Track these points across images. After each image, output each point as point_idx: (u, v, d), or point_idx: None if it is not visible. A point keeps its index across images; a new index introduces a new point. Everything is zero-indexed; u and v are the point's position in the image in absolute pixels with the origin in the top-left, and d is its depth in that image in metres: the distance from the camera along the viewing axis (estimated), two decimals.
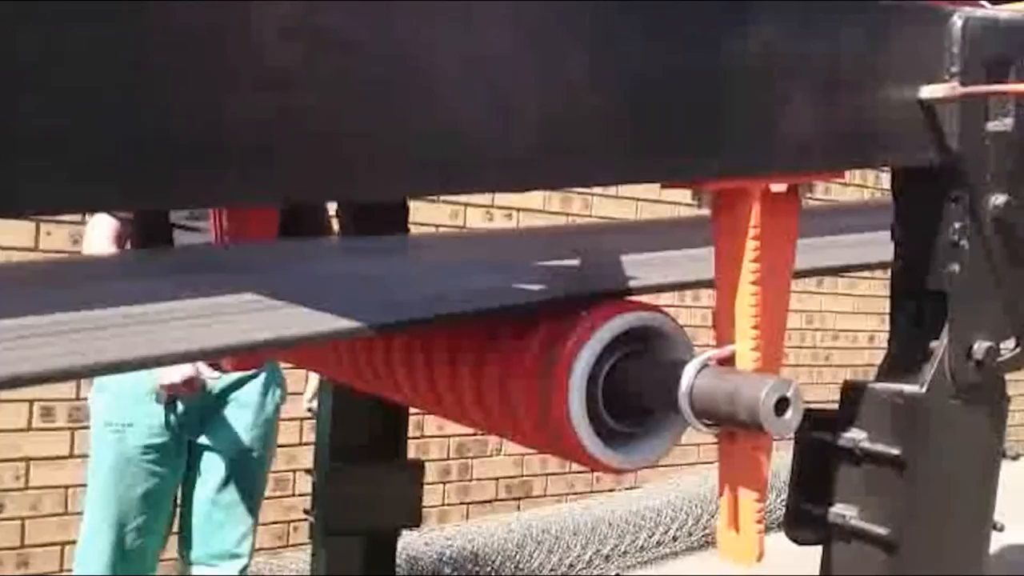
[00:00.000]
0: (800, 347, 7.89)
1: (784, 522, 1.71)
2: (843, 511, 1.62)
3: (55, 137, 1.02)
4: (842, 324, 8.29)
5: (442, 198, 5.83)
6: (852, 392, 1.65)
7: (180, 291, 1.78)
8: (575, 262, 1.91)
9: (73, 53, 1.01)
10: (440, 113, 1.25)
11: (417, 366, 1.83)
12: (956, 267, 1.61)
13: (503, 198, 6.21)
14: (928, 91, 1.58)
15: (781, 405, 1.35)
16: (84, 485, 4.88)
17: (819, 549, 1.66)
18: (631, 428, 1.58)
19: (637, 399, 1.55)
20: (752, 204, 1.46)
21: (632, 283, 1.70)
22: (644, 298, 1.67)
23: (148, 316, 1.62)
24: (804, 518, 1.68)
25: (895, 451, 1.57)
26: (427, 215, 5.58)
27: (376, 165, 1.22)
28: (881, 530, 1.57)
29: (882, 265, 1.74)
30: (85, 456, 4.88)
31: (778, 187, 1.52)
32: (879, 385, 1.63)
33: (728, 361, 1.48)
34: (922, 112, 1.59)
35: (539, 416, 1.56)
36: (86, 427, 4.86)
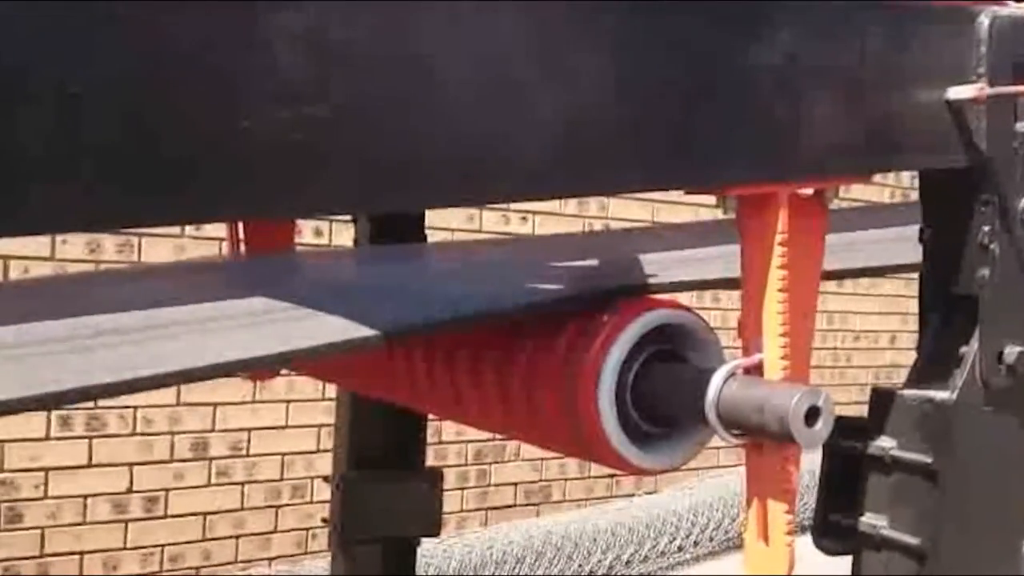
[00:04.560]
0: (821, 348, 7.84)
1: (813, 531, 1.68)
2: (873, 520, 1.60)
3: (66, 154, 1.00)
4: (863, 325, 8.24)
5: None
6: (881, 399, 1.63)
7: (194, 299, 1.77)
8: (594, 263, 1.89)
9: (87, 69, 1.00)
10: (459, 124, 1.24)
11: (439, 372, 1.81)
12: (986, 271, 1.59)
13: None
14: (955, 92, 1.56)
15: (812, 415, 1.33)
16: (103, 494, 4.95)
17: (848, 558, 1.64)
18: (660, 429, 1.55)
19: (663, 406, 1.53)
20: (779, 209, 1.44)
21: (653, 280, 1.67)
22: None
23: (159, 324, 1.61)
24: (833, 527, 1.66)
25: (926, 459, 1.55)
26: (442, 218, 5.53)
27: (394, 177, 1.20)
28: (912, 539, 1.55)
29: (912, 268, 1.72)
30: (104, 465, 4.95)
31: (805, 191, 1.50)
32: (909, 392, 1.61)
33: (756, 370, 1.46)
34: (949, 113, 1.57)
35: (566, 417, 1.54)
36: (105, 436, 4.96)
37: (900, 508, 1.58)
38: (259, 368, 1.77)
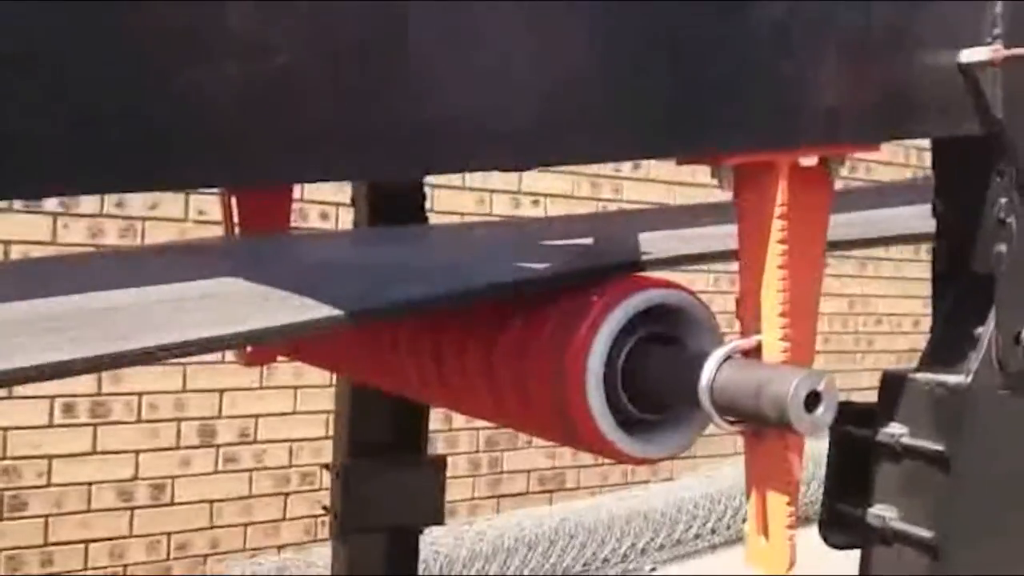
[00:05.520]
0: (842, 332, 7.78)
1: (819, 524, 1.61)
2: (882, 512, 1.52)
3: (26, 122, 0.95)
4: (885, 308, 8.17)
5: (467, 184, 5.77)
6: (891, 383, 1.55)
7: (182, 278, 1.70)
8: (587, 240, 1.81)
9: (27, 27, 0.94)
10: (433, 85, 1.15)
11: (425, 359, 1.74)
12: (1003, 247, 1.50)
13: (530, 184, 6.12)
14: (968, 55, 1.47)
15: (812, 400, 1.24)
16: (108, 481, 4.91)
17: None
18: (654, 416, 1.47)
19: (656, 392, 1.44)
20: (778, 180, 1.35)
21: (647, 256, 1.59)
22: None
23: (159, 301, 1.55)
24: (840, 519, 1.59)
25: (938, 446, 1.47)
26: (451, 203, 5.52)
27: (360, 144, 1.12)
28: (924, 532, 1.47)
29: (925, 238, 1.63)
30: (109, 452, 4.91)
31: (807, 161, 1.41)
32: (920, 375, 1.52)
33: (754, 352, 1.37)
34: (962, 78, 1.48)
35: (554, 403, 1.46)
36: (109, 423, 4.92)
37: (911, 499, 1.50)
38: (219, 348, 1.69)
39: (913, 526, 1.48)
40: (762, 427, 1.34)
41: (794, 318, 1.37)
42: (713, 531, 6.32)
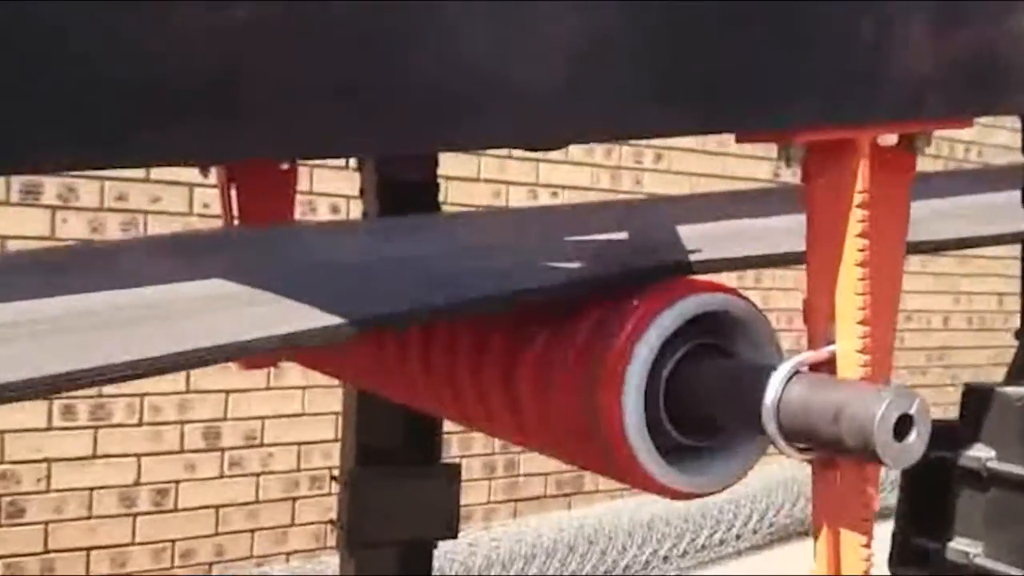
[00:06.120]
0: None
1: (889, 558, 1.46)
2: (965, 547, 1.37)
3: None
4: (914, 304, 7.99)
5: (482, 176, 5.64)
6: (975, 398, 1.39)
7: (189, 276, 1.53)
8: (623, 236, 1.62)
9: None
10: (447, 51, 1.00)
11: (438, 369, 1.55)
12: None
13: (548, 175, 5.98)
14: None
15: (902, 426, 1.05)
16: (110, 487, 4.77)
17: None
18: (701, 442, 1.29)
19: (708, 412, 1.25)
20: (859, 161, 1.16)
21: (695, 258, 1.40)
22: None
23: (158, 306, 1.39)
24: (915, 554, 1.43)
25: None
26: (465, 194, 5.38)
27: (360, 116, 0.97)
28: (1013, 571, 1.31)
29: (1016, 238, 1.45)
30: (110, 456, 4.78)
31: (888, 140, 1.21)
32: (1009, 389, 1.37)
33: (826, 366, 1.18)
34: None
35: (585, 426, 1.28)
36: (111, 425, 4.78)
37: (998, 532, 1.35)
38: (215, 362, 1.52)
39: (1000, 563, 1.33)
40: (838, 455, 1.15)
41: (874, 325, 1.18)
42: (738, 536, 6.19)
